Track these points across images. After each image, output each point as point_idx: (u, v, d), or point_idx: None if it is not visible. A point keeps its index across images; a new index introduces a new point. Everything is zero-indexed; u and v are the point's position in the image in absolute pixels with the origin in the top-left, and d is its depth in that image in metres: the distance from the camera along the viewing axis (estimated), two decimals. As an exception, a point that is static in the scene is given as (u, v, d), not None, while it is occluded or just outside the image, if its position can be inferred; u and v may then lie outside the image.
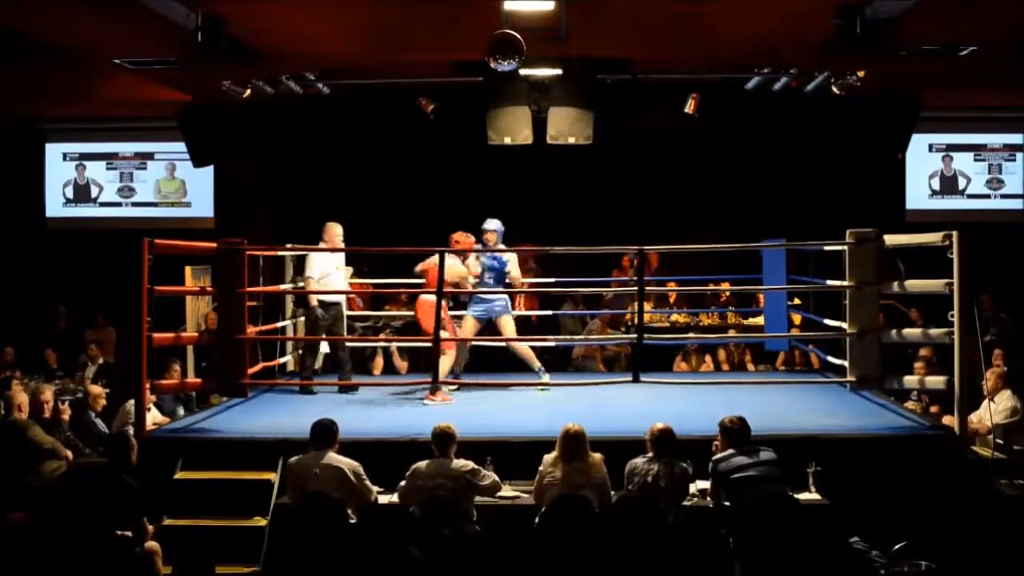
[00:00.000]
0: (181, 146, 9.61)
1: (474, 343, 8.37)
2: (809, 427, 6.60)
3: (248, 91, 8.65)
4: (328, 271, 8.32)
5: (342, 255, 8.47)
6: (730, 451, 5.53)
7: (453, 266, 7.72)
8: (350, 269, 9.98)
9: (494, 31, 6.81)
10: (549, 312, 9.71)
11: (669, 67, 8.98)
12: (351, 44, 7.88)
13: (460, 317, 8.26)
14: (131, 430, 6.70)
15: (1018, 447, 7.01)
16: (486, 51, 6.82)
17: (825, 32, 7.03)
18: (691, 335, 9.97)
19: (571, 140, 9.25)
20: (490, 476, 5.67)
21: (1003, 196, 11.83)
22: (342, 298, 8.44)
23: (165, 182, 12.10)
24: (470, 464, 5.61)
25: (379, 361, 9.33)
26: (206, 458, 6.34)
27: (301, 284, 9.04)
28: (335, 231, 8.34)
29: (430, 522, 5.36)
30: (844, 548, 5.50)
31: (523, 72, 8.61)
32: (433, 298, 7.34)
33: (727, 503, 5.53)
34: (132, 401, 6.87)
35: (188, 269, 10.06)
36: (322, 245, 8.32)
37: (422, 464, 5.60)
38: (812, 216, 9.95)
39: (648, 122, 10.27)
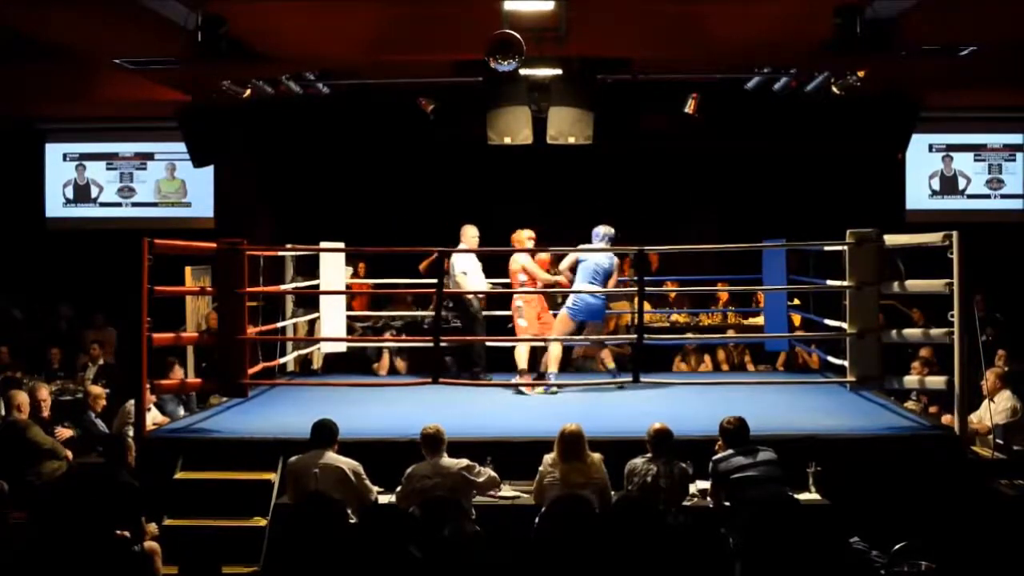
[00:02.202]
0: (181, 146, 9.61)
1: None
2: (809, 427, 6.60)
3: (248, 91, 8.65)
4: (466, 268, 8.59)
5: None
6: (730, 451, 5.54)
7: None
8: (349, 269, 10.02)
9: (494, 31, 6.81)
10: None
11: (669, 67, 8.97)
12: (351, 44, 7.88)
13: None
14: (131, 430, 6.72)
15: (1018, 447, 7.02)
16: (486, 51, 6.81)
17: (825, 32, 7.03)
18: (691, 335, 9.97)
19: (571, 140, 9.23)
20: (486, 472, 5.67)
21: (1003, 196, 11.84)
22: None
23: (165, 182, 12.10)
24: (464, 461, 5.61)
25: (385, 361, 9.34)
26: (206, 458, 6.35)
27: (302, 284, 9.07)
28: (472, 231, 8.55)
29: (430, 522, 5.36)
30: (844, 548, 5.50)
31: (523, 72, 8.59)
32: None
33: (727, 503, 5.53)
34: (132, 401, 6.87)
35: (188, 269, 10.07)
36: (462, 246, 8.48)
37: (417, 466, 5.61)
38: (812, 216, 9.95)
39: (648, 122, 10.26)
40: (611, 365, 8.30)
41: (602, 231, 8.20)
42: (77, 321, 11.19)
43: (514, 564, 5.44)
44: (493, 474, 5.72)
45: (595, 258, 8.04)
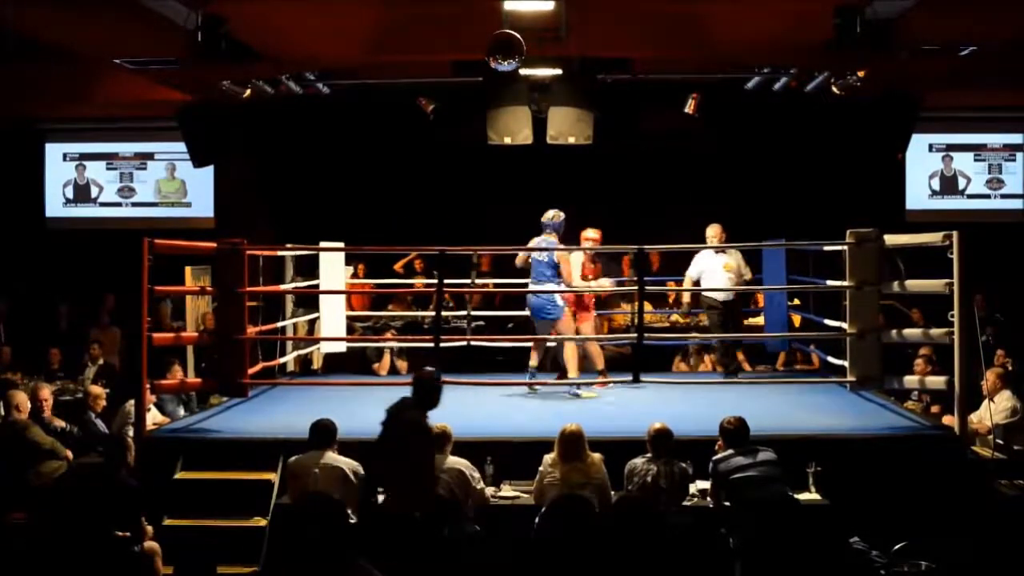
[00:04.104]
0: (181, 146, 9.61)
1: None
2: (809, 427, 6.61)
3: (248, 91, 8.65)
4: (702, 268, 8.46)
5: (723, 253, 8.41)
6: (730, 451, 5.53)
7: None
8: (349, 269, 10.03)
9: (494, 31, 6.81)
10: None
11: (669, 67, 8.97)
12: (351, 44, 7.88)
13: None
14: (131, 430, 6.71)
15: (1018, 447, 7.02)
16: (486, 51, 6.82)
17: (825, 32, 7.03)
18: (691, 335, 9.96)
19: (571, 140, 9.24)
20: (481, 484, 5.69)
21: (1003, 196, 11.84)
22: (724, 296, 8.42)
23: (165, 182, 12.10)
24: (466, 462, 5.62)
25: (385, 361, 9.34)
26: (206, 458, 6.35)
27: (302, 284, 9.04)
28: (713, 231, 8.38)
29: (430, 522, 5.36)
30: (844, 548, 5.50)
31: (523, 72, 8.60)
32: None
33: (727, 503, 5.53)
34: (132, 401, 6.88)
35: (188, 269, 10.07)
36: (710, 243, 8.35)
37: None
38: (812, 216, 9.95)
39: (648, 122, 10.26)
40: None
41: (547, 217, 7.88)
42: (76, 321, 11.18)
43: (514, 564, 5.44)
44: (485, 491, 5.72)
45: (536, 254, 7.80)
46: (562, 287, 7.77)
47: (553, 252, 7.72)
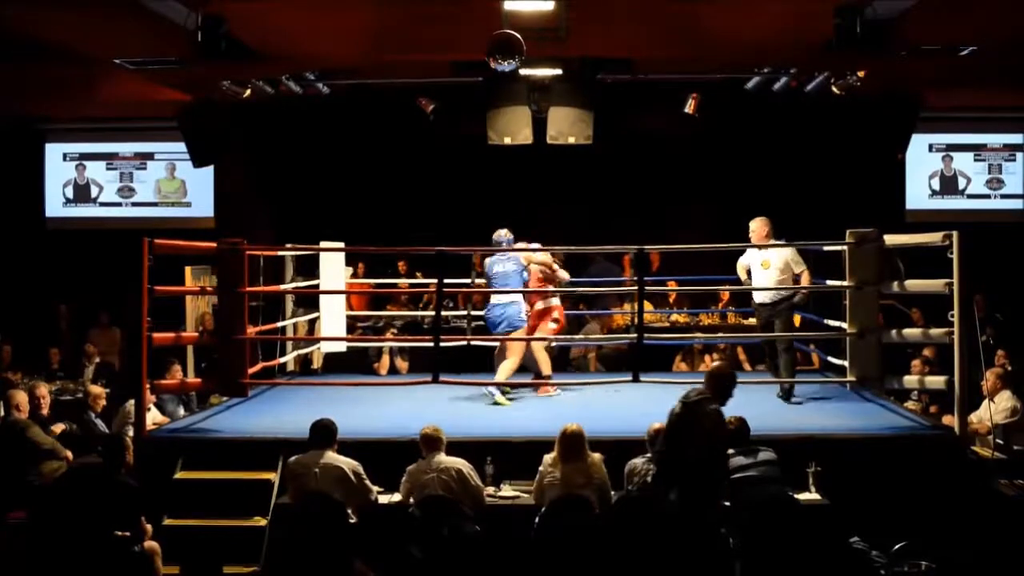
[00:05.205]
0: (181, 146, 9.61)
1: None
2: (809, 427, 6.60)
3: (248, 91, 8.65)
4: (748, 265, 7.93)
5: (774, 250, 7.71)
6: (730, 451, 5.53)
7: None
8: (350, 269, 10.02)
9: (494, 31, 6.81)
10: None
11: (669, 67, 8.97)
12: (351, 44, 7.88)
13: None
14: (131, 430, 6.72)
15: (1018, 447, 7.02)
16: (486, 51, 6.82)
17: (825, 32, 7.03)
18: (691, 335, 9.95)
19: (571, 140, 9.24)
20: (478, 483, 5.68)
21: (1003, 196, 11.84)
22: (771, 295, 7.74)
23: (165, 182, 12.10)
24: (464, 461, 5.63)
25: (385, 361, 9.34)
26: (206, 458, 6.35)
27: (302, 284, 9.02)
28: (753, 225, 7.84)
29: (430, 522, 5.37)
30: (844, 548, 5.50)
31: (523, 72, 8.60)
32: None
33: (727, 503, 5.53)
34: (132, 401, 6.87)
35: (188, 269, 10.07)
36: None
37: (415, 465, 5.63)
38: (812, 216, 9.94)
39: (648, 122, 10.27)
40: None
41: (499, 235, 7.88)
42: (76, 321, 11.18)
43: (514, 564, 5.44)
44: (483, 490, 5.71)
45: (498, 272, 7.80)
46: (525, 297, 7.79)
47: (520, 264, 7.76)
